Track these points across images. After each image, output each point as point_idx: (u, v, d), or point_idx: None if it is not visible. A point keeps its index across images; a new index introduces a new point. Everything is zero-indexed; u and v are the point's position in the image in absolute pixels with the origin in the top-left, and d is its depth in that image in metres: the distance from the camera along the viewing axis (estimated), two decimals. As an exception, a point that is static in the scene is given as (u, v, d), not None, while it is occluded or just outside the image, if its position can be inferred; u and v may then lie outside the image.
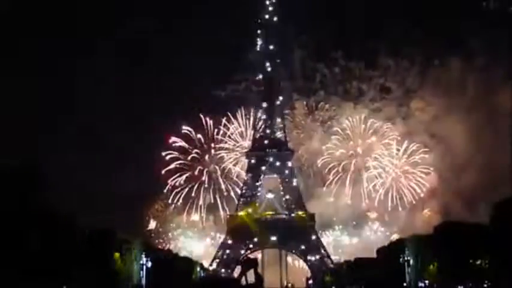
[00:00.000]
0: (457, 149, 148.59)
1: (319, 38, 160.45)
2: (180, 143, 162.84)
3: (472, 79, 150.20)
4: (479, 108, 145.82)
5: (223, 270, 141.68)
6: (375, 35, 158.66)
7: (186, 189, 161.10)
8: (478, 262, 60.87)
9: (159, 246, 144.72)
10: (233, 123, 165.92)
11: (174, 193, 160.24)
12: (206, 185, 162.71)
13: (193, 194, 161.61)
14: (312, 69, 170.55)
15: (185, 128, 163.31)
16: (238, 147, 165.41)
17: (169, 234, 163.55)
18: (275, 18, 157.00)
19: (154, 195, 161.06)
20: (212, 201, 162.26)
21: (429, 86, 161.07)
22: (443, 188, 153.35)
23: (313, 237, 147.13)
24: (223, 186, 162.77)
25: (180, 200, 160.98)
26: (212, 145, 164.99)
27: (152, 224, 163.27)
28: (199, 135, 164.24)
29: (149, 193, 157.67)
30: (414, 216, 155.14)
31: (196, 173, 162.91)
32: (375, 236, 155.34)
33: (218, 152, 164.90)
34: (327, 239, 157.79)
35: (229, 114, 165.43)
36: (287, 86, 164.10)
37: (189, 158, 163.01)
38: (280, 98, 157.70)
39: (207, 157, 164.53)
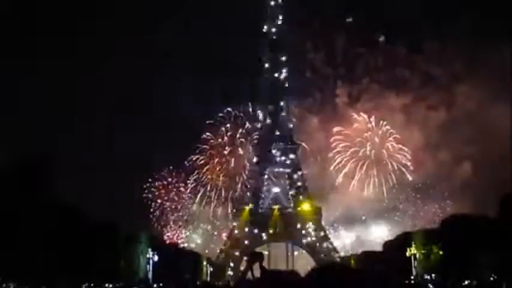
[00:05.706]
0: (498, 140, 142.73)
1: (361, 21, 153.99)
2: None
3: None
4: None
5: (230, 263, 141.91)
6: (420, 18, 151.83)
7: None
8: (485, 255, 60.55)
9: (168, 236, 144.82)
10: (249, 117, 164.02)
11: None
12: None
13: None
14: (354, 55, 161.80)
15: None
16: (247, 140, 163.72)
17: (180, 228, 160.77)
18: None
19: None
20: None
21: (476, 72, 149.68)
22: (478, 179, 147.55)
23: (320, 230, 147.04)
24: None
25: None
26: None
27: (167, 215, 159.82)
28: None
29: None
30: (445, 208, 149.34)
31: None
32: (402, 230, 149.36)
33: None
34: (346, 234, 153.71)
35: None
36: (297, 79, 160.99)
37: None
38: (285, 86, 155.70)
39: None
